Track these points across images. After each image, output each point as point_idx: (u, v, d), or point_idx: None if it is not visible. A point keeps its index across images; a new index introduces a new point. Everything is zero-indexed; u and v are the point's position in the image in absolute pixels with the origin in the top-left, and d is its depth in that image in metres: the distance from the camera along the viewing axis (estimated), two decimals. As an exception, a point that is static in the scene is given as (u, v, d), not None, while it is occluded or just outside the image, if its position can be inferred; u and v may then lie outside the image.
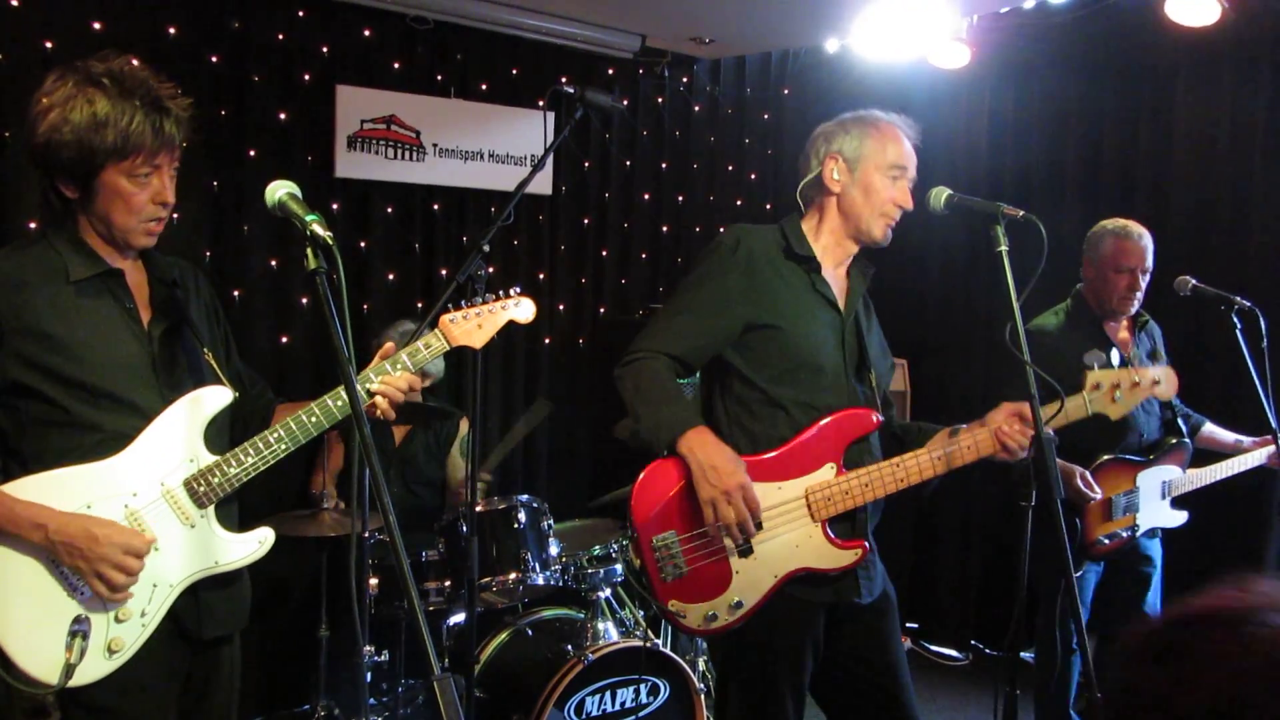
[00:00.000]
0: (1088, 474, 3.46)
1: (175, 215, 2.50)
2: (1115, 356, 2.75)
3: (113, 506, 2.08)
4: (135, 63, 2.14)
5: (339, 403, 2.20)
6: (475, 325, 2.43)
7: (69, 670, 1.96)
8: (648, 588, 2.47)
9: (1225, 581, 0.77)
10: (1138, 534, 3.59)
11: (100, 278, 2.15)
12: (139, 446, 2.12)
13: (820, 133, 2.62)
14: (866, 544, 2.50)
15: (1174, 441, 3.65)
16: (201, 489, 2.16)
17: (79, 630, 1.99)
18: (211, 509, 2.18)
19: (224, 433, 2.28)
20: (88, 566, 2.00)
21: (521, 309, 2.51)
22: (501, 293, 2.51)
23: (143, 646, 2.09)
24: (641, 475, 2.47)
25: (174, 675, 2.19)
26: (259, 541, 2.24)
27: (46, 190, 2.14)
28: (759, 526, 2.38)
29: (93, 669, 2.03)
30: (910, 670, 2.67)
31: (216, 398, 2.23)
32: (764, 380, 2.50)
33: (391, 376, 2.25)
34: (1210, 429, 3.84)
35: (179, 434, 2.16)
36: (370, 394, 2.24)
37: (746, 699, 2.52)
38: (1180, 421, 3.78)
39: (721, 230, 2.65)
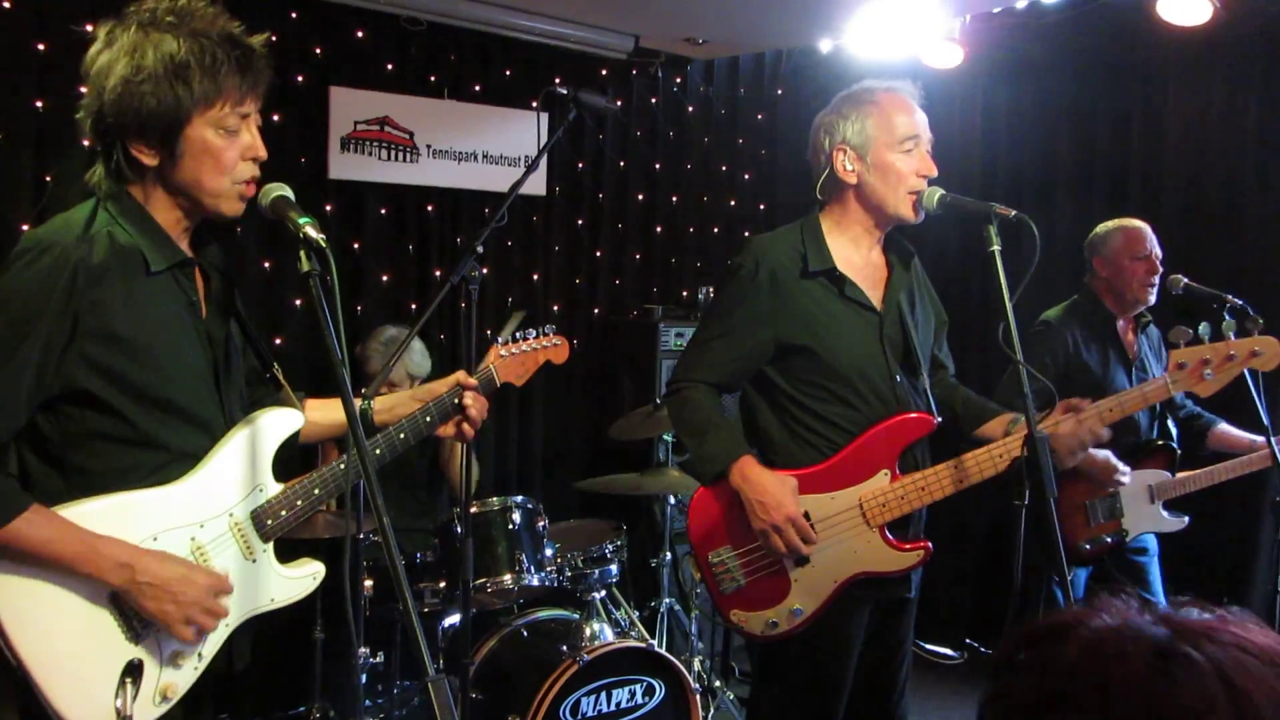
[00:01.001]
0: (1110, 458, 3.40)
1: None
2: (1204, 329, 2.69)
3: (179, 539, 1.87)
4: (199, 2, 1.88)
5: (401, 435, 2.17)
6: (520, 364, 2.46)
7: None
8: (711, 599, 2.55)
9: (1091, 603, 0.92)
10: (1128, 539, 3.58)
11: (174, 269, 1.89)
12: (207, 471, 1.91)
13: (820, 124, 2.58)
14: (929, 544, 2.49)
15: (1159, 444, 3.64)
16: (269, 523, 1.98)
17: (131, 676, 1.79)
18: (272, 543, 2.02)
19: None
20: (177, 612, 1.80)
21: (560, 351, 2.56)
22: (541, 331, 2.52)
23: (188, 692, 1.91)
24: (694, 499, 2.55)
25: (203, 714, 2.03)
26: (313, 577, 2.09)
27: (117, 160, 1.84)
28: (811, 544, 2.41)
29: (142, 717, 1.82)
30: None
31: (289, 421, 2.06)
32: (806, 396, 2.49)
33: (479, 396, 2.26)
34: (1224, 429, 3.79)
35: (249, 459, 1.97)
36: (459, 407, 2.25)
37: (790, 691, 2.54)
38: (1171, 424, 3.76)
39: (742, 246, 2.63)
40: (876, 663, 2.61)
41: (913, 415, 2.50)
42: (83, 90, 1.86)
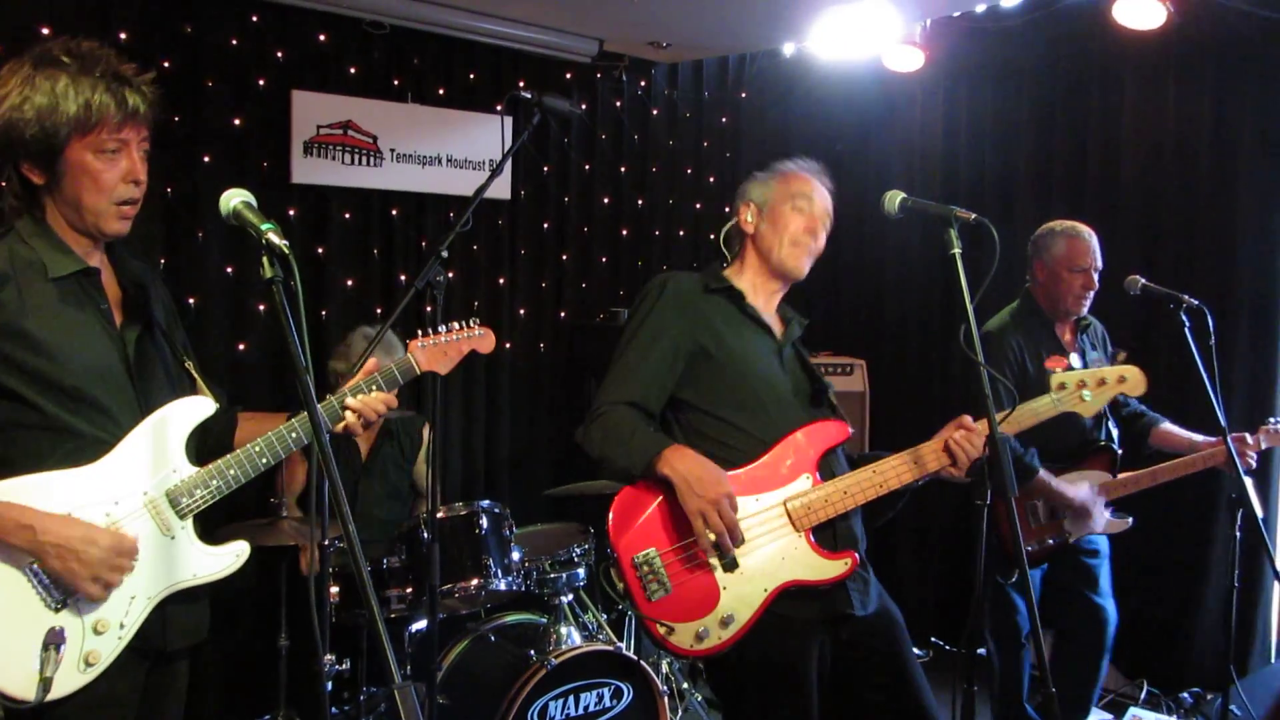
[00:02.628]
0: (1065, 492, 3.52)
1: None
2: (1075, 360, 2.86)
3: (94, 514, 2.03)
4: (94, 42, 2.08)
5: (261, 455, 2.20)
6: (441, 353, 2.51)
7: (46, 685, 1.89)
8: (634, 610, 2.44)
9: None
10: (1071, 540, 3.62)
11: (77, 276, 2.08)
12: (120, 453, 2.07)
13: (739, 190, 2.79)
14: (856, 554, 2.50)
15: (1100, 444, 3.69)
16: (185, 501, 2.11)
17: (54, 642, 1.92)
18: (190, 520, 2.14)
19: (191, 442, 2.22)
20: (82, 569, 1.95)
21: (484, 340, 2.61)
22: (464, 322, 2.57)
23: (114, 660, 2.04)
24: (615, 499, 2.48)
25: (136, 689, 2.13)
26: (235, 555, 2.20)
27: (11, 178, 2.07)
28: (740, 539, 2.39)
29: (68, 682, 1.97)
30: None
31: (200, 408, 2.20)
32: (714, 407, 2.56)
33: (369, 397, 2.27)
34: (1167, 428, 3.83)
35: (161, 442, 2.12)
36: (343, 408, 2.25)
37: None
38: (1111, 424, 3.80)
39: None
40: (890, 703, 2.55)
41: (831, 421, 2.59)
42: None
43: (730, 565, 2.42)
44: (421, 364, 2.47)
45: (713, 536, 2.37)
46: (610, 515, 2.46)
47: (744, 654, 2.44)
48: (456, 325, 2.56)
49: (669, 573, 2.42)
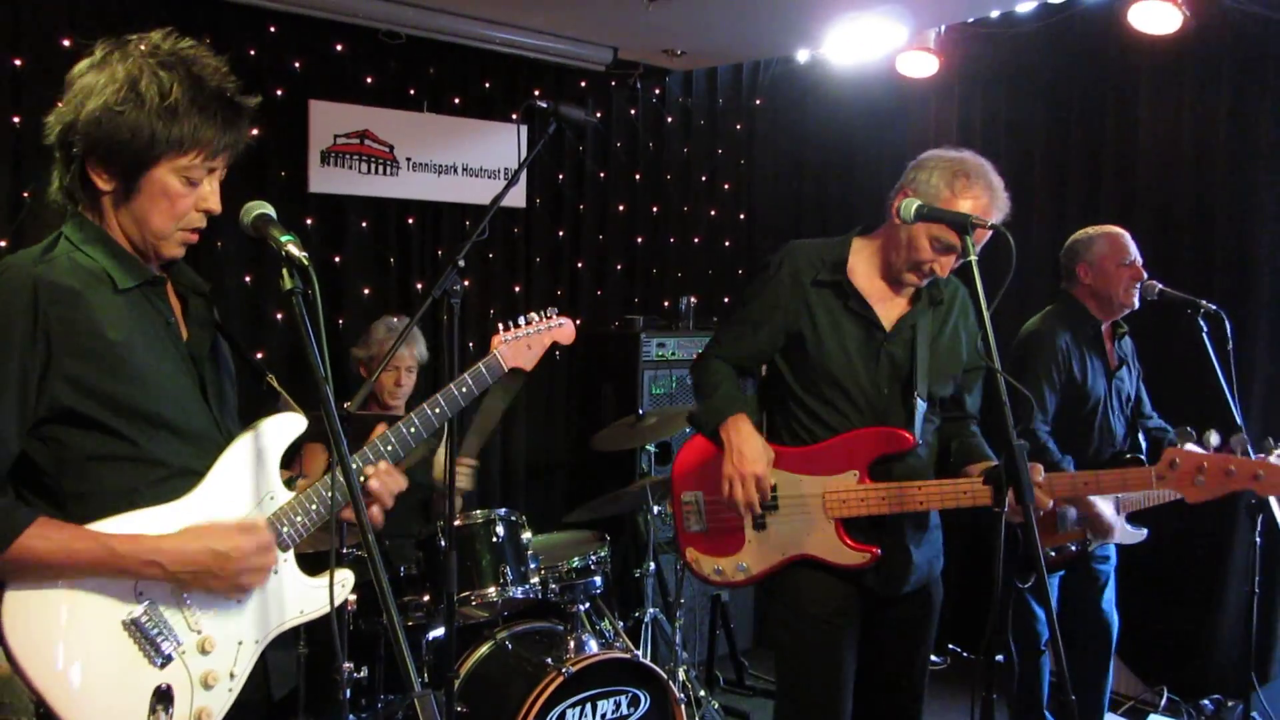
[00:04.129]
0: (1113, 523, 3.50)
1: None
2: (1214, 438, 2.72)
3: None
4: (203, 46, 1.87)
5: (405, 434, 2.12)
6: (525, 346, 2.42)
7: None
8: (674, 534, 2.90)
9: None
10: (1090, 548, 3.61)
11: (143, 288, 1.86)
12: (212, 483, 1.87)
13: (917, 165, 2.63)
14: (878, 550, 2.61)
15: (1128, 456, 3.67)
16: (285, 529, 1.92)
17: (162, 702, 1.73)
18: (292, 552, 1.95)
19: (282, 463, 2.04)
20: (224, 584, 1.80)
21: (564, 330, 2.55)
22: (542, 313, 2.51)
23: (225, 716, 1.84)
24: (688, 439, 2.88)
25: None
26: (340, 585, 1.93)
27: (73, 175, 1.81)
28: (771, 508, 2.65)
29: None
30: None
31: (292, 425, 1.99)
32: (799, 388, 2.71)
33: (388, 479, 2.05)
34: (1191, 446, 3.80)
35: (253, 467, 1.92)
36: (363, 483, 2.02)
37: (785, 673, 2.78)
38: (1141, 436, 3.79)
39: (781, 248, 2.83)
40: (896, 664, 2.75)
41: (891, 430, 2.62)
42: (58, 100, 1.84)
43: (760, 525, 2.70)
44: (508, 360, 2.36)
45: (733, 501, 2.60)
46: (678, 453, 2.89)
47: (781, 596, 2.72)
48: (536, 316, 2.49)
49: (708, 515, 2.80)
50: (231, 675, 1.84)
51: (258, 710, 1.94)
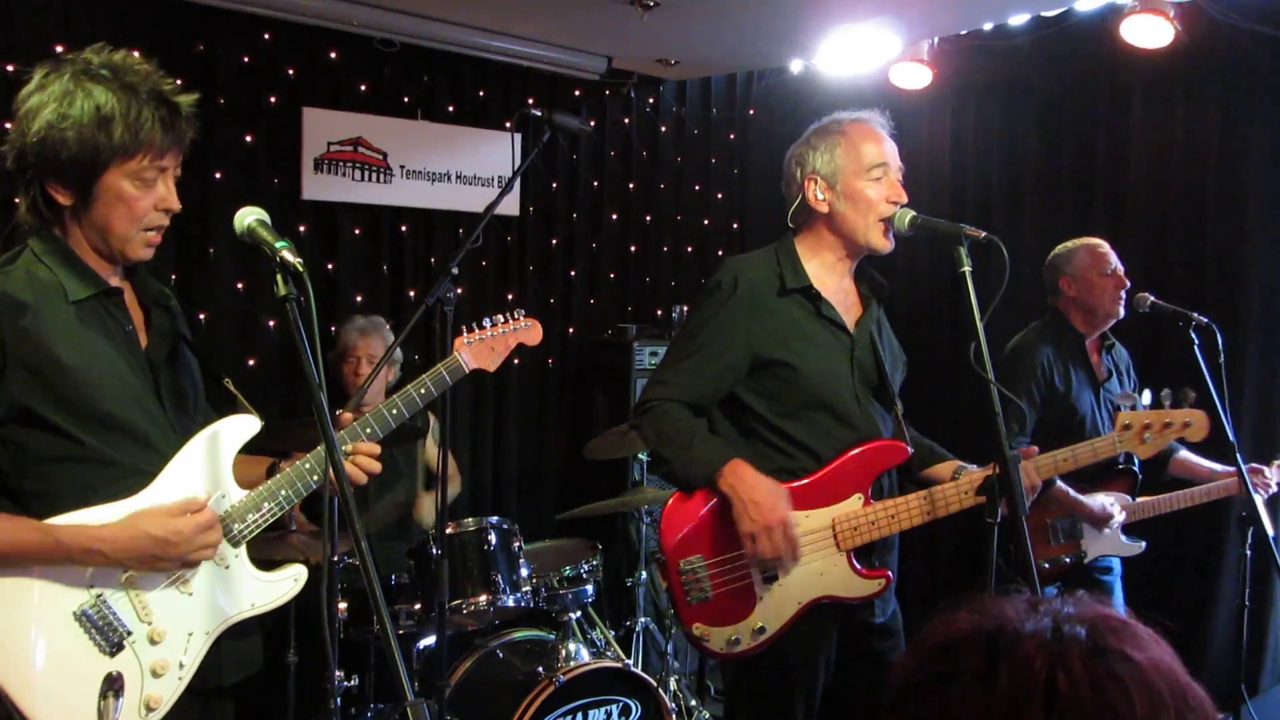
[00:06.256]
0: (1106, 507, 3.51)
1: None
2: (1147, 397, 2.83)
3: None
4: (135, 54, 1.95)
5: (368, 430, 2.14)
6: (488, 349, 2.43)
7: None
8: (674, 610, 2.48)
9: (960, 606, 0.86)
10: (1085, 560, 3.60)
11: (99, 298, 1.95)
12: (164, 482, 1.94)
13: (792, 155, 2.62)
14: (890, 574, 2.52)
15: (1120, 467, 3.66)
16: (237, 527, 1.99)
17: (112, 689, 1.77)
18: (243, 547, 2.02)
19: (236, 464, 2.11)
20: (171, 565, 1.89)
21: (531, 332, 2.54)
22: (508, 315, 2.50)
23: (174, 703, 1.92)
24: (670, 501, 2.50)
25: None
26: (294, 580, 2.08)
27: (34, 197, 1.92)
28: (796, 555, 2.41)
29: None
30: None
31: (246, 427, 2.06)
32: (778, 417, 2.50)
33: (364, 445, 2.12)
34: (1185, 456, 3.79)
35: (208, 466, 1.99)
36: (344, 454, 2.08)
37: (757, 705, 2.54)
38: None
39: (718, 265, 2.65)
40: (867, 685, 2.58)
41: (889, 443, 2.54)
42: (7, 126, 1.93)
43: (770, 579, 2.44)
44: (469, 362, 2.37)
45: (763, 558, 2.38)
46: (663, 518, 2.48)
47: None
48: (501, 318, 2.48)
49: (711, 581, 2.44)
50: (181, 665, 1.93)
51: (210, 696, 2.03)
